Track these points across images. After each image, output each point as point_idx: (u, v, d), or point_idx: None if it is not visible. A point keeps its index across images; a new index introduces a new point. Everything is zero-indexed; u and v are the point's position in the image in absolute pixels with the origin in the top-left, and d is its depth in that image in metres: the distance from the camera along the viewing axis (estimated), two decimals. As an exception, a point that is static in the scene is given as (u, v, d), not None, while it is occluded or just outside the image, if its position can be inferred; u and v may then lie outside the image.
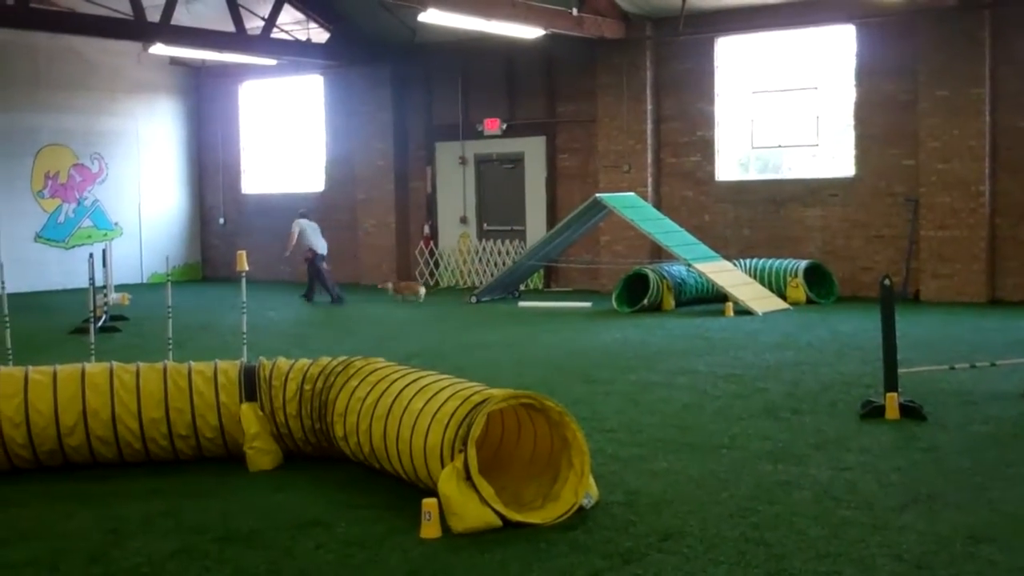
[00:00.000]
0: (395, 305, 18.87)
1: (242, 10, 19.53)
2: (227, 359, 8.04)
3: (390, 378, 7.05)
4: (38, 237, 22.93)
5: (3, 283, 11.01)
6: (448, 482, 5.90)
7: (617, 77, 19.93)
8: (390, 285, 19.92)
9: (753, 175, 19.84)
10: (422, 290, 19.41)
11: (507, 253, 21.49)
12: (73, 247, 23.20)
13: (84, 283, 14.34)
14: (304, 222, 19.81)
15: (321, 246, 19.66)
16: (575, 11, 18.32)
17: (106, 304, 15.20)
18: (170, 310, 10.90)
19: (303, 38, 22.04)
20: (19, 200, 22.57)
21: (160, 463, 7.61)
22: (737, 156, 19.90)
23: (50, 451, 7.44)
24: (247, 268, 10.45)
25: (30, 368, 7.63)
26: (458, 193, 22.47)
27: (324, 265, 19.60)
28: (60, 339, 14.71)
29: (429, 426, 6.24)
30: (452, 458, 5.98)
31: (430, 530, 5.86)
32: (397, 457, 6.58)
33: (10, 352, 10.62)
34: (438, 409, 6.28)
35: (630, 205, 17.64)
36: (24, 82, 22.46)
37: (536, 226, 21.35)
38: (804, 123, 19.00)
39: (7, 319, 10.79)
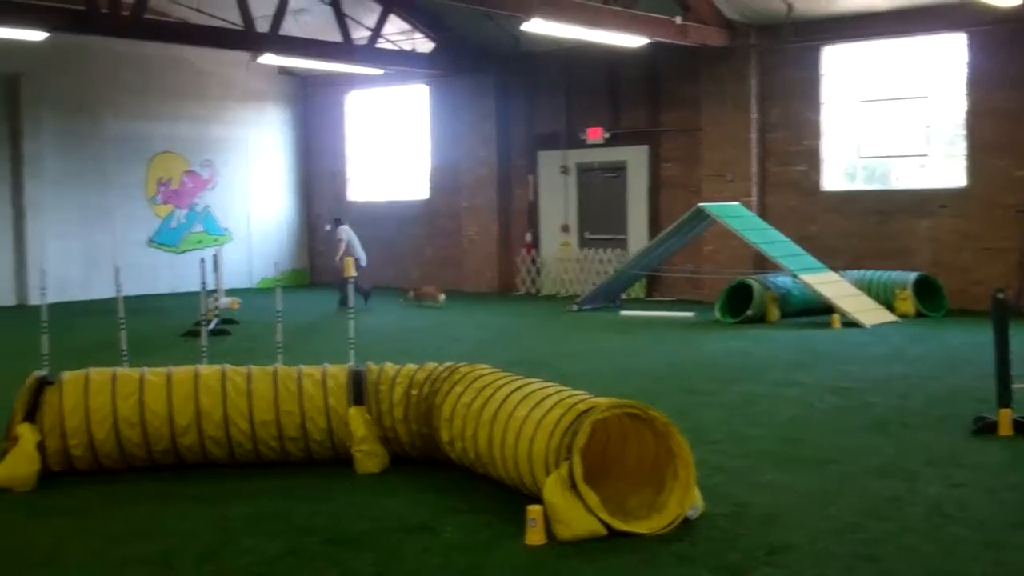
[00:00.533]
0: (496, 313, 18.96)
1: (349, 20, 19.82)
2: (334, 363, 8.17)
3: (495, 384, 7.11)
4: (151, 242, 23.54)
5: (119, 286, 11.31)
6: (553, 490, 5.93)
7: (721, 86, 19.78)
8: (411, 293, 20.42)
9: (860, 185, 19.52)
10: (441, 296, 20.02)
11: (608, 262, 21.44)
12: (184, 252, 23.78)
13: (195, 287, 14.66)
14: (350, 229, 20.24)
15: (362, 256, 20.05)
16: (679, 20, 18.21)
17: (216, 308, 15.52)
18: (279, 314, 11.09)
19: (408, 48, 22.29)
20: (133, 206, 23.20)
21: (270, 464, 7.76)
22: (843, 166, 19.60)
23: (164, 450, 7.64)
24: (354, 274, 10.61)
25: (145, 369, 7.86)
26: (560, 201, 22.50)
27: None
28: (172, 341, 15.09)
29: (534, 433, 6.28)
30: (557, 466, 6.01)
31: (535, 537, 5.89)
32: (502, 463, 6.63)
33: (124, 353, 10.89)
34: (543, 416, 6.31)
35: (734, 215, 17.49)
36: (138, 91, 23.08)
37: (638, 235, 21.28)
38: (913, 133, 18.65)
39: (122, 321, 11.07)
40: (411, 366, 7.89)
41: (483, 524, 6.31)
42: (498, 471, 6.76)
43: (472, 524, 6.33)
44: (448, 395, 7.32)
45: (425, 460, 7.70)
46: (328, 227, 25.79)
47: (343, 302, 19.09)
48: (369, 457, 7.56)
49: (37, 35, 16.57)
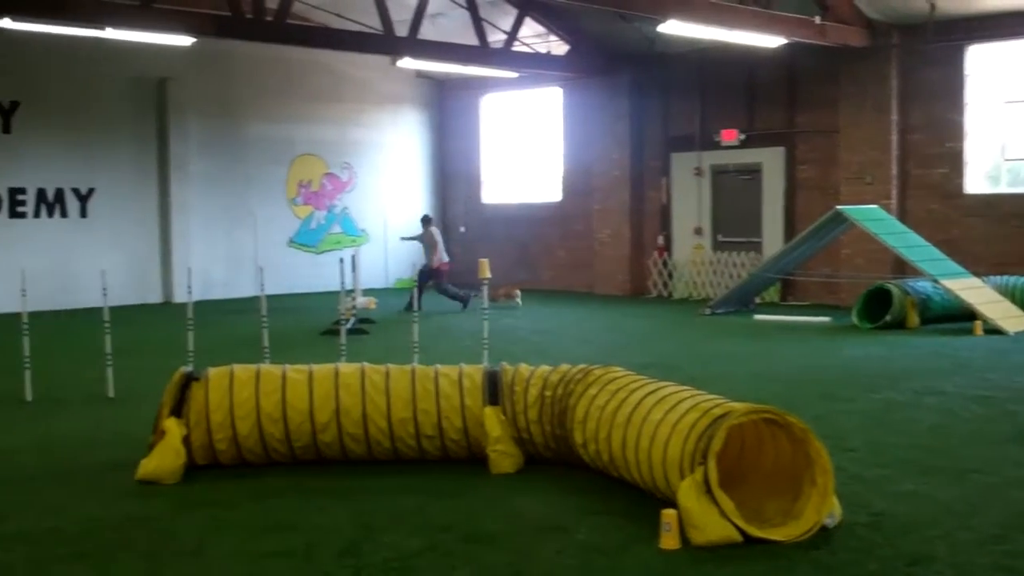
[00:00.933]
0: (627, 316, 18.91)
1: (485, 24, 20.01)
2: (469, 363, 8.28)
3: (629, 387, 7.11)
4: (291, 242, 24.13)
5: (263, 285, 11.65)
6: (688, 494, 5.92)
7: (861, 86, 19.39)
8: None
9: (1004, 188, 18.92)
10: (518, 292, 20.32)
11: (742, 265, 21.21)
12: (323, 252, 24.31)
13: (333, 287, 14.97)
14: (437, 231, 20.32)
15: (445, 257, 20.05)
16: (818, 19, 17.94)
17: (354, 307, 15.82)
18: (416, 314, 11.30)
19: (543, 51, 22.40)
20: (275, 207, 23.81)
21: (407, 462, 7.87)
22: (986, 168, 19.03)
23: (305, 446, 7.82)
24: (489, 275, 10.73)
25: (288, 367, 8.05)
26: (693, 204, 22.35)
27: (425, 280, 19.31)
28: (312, 339, 15.45)
29: (669, 437, 6.27)
30: (692, 470, 5.99)
31: (669, 541, 5.88)
32: (636, 466, 6.64)
33: (266, 351, 11.20)
34: (678, 420, 6.30)
35: (873, 218, 17.13)
36: (280, 94, 23.69)
37: (773, 238, 21.00)
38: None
39: (264, 319, 11.39)
40: (545, 367, 7.94)
41: (616, 527, 6.32)
42: (632, 474, 6.76)
43: (606, 526, 6.35)
44: (582, 397, 7.35)
45: (559, 462, 7.73)
46: (463, 228, 26.11)
47: (464, 301, 19.57)
48: (504, 457, 7.63)
49: (183, 40, 17.17)
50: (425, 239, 19.95)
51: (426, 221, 20.33)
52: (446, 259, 20.00)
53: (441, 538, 6.18)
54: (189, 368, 8.08)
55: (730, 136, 21.38)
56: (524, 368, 7.95)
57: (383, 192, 25.62)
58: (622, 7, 16.75)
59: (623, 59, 22.17)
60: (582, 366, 7.77)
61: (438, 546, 6.04)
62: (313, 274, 23.70)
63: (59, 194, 20.86)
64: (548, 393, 7.63)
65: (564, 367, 7.85)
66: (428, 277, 19.53)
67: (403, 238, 21.68)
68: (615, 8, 16.98)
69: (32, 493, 7.30)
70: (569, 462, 7.66)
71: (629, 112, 22.80)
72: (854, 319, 16.40)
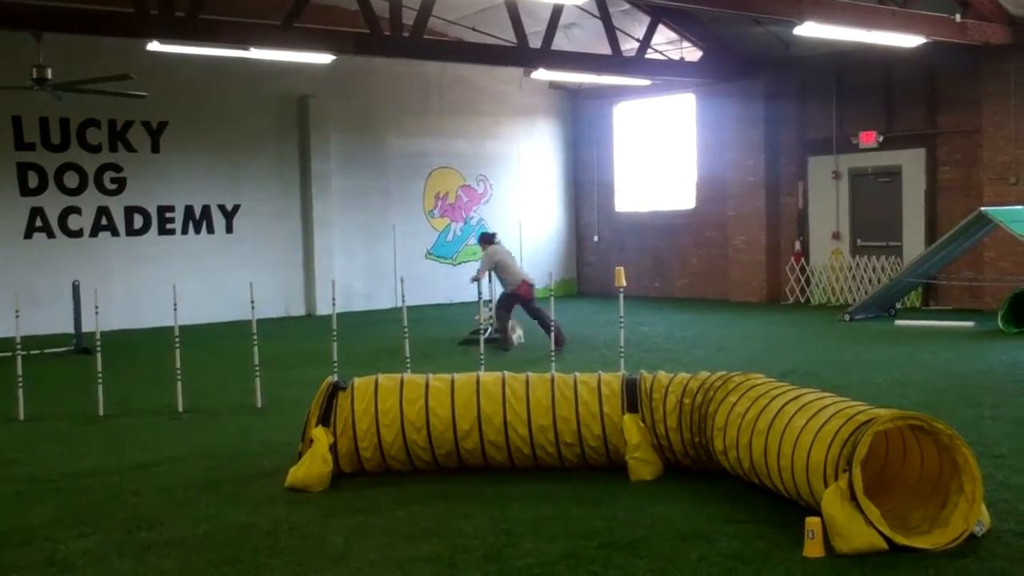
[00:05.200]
0: (764, 323, 18.69)
1: (618, 32, 20.03)
2: (606, 371, 8.31)
3: (770, 394, 7.07)
4: (428, 254, 24.50)
5: (403, 297, 11.88)
6: (832, 502, 5.86)
7: (1004, 85, 18.82)
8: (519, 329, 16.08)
9: None
10: (519, 329, 16.02)
11: (882, 270, 20.77)
12: (460, 264, 24.63)
13: (470, 298, 15.16)
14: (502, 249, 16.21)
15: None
16: (958, 17, 17.49)
17: (491, 317, 16.01)
18: (553, 323, 11.39)
19: (676, 57, 22.31)
20: (413, 220, 24.21)
21: (547, 469, 7.94)
22: None
23: (447, 453, 7.95)
24: (625, 284, 10.75)
25: (430, 376, 8.20)
26: (831, 208, 21.97)
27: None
28: (450, 349, 15.67)
29: (812, 444, 6.21)
30: (836, 477, 5.93)
31: (813, 549, 5.83)
32: (778, 473, 6.59)
33: (408, 361, 11.41)
34: (821, 427, 6.24)
35: (1018, 219, 16.58)
36: (417, 109, 24.09)
37: (914, 242, 20.51)
38: None
39: (406, 330, 11.61)
40: (684, 375, 7.93)
41: (759, 534, 6.29)
42: (774, 481, 6.72)
43: (748, 534, 6.32)
44: (722, 404, 7.32)
45: (697, 469, 7.72)
46: (596, 238, 26.14)
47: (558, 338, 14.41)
48: (643, 464, 7.65)
49: (324, 58, 17.61)
50: (486, 262, 15.77)
51: (484, 240, 16.25)
52: (523, 278, 15.77)
53: (582, 545, 6.22)
54: (335, 378, 8.28)
55: (868, 138, 20.97)
56: (663, 375, 7.95)
57: (517, 203, 25.83)
58: (757, 11, 16.60)
59: (757, 63, 21.95)
60: (721, 373, 7.74)
61: (579, 553, 6.08)
62: (450, 285, 24.01)
63: (206, 211, 21.60)
64: (687, 400, 7.63)
65: (703, 374, 7.83)
66: (510, 303, 15.73)
67: (473, 279, 16.10)
68: (750, 12, 16.84)
69: (186, 501, 7.57)
70: (708, 469, 7.65)
71: (764, 117, 22.55)
72: (999, 323, 15.95)
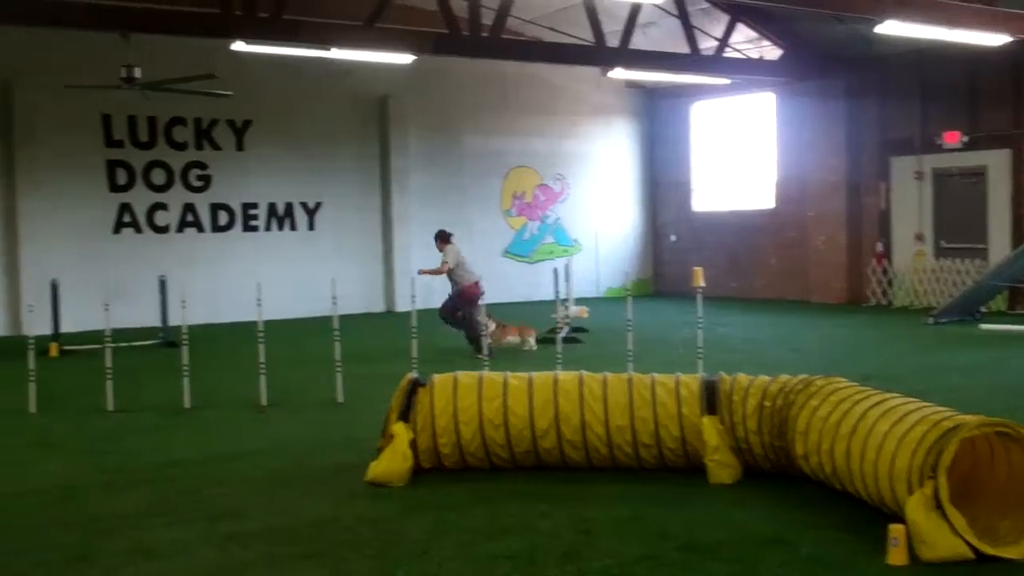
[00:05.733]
0: (845, 325, 18.48)
1: (696, 31, 19.92)
2: (684, 373, 8.27)
3: (852, 399, 6.99)
4: (505, 253, 24.59)
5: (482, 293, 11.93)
6: (917, 509, 5.79)
7: (1096, 83, 18.43)
8: (492, 326, 15.18)
9: None
10: (533, 334, 15.59)
11: (967, 272, 20.40)
12: (536, 262, 24.68)
13: (547, 296, 15.16)
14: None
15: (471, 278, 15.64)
16: (1047, 15, 17.12)
17: (567, 316, 16.00)
18: (630, 323, 11.36)
19: (755, 56, 22.13)
20: (490, 218, 24.34)
21: (624, 469, 7.94)
22: None
23: (525, 452, 7.99)
24: (703, 284, 10.70)
25: (508, 374, 8.24)
26: (914, 209, 21.64)
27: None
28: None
29: (896, 450, 6.14)
30: (921, 484, 5.86)
31: (897, 556, 5.75)
32: (860, 479, 6.52)
33: (485, 359, 11.46)
34: (906, 433, 6.17)
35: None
36: (495, 108, 24.21)
37: (1000, 244, 20.12)
38: None
39: (484, 328, 11.67)
40: (764, 378, 7.87)
41: (840, 540, 6.23)
42: (855, 487, 6.65)
43: (829, 540, 6.26)
44: (803, 408, 7.26)
45: (778, 473, 7.66)
46: (674, 238, 26.01)
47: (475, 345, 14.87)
48: (722, 467, 7.61)
49: (404, 58, 17.75)
50: (453, 258, 15.52)
51: (443, 238, 15.94)
52: (476, 278, 15.55)
53: (660, 547, 6.22)
54: (415, 374, 8.34)
55: (952, 138, 20.61)
56: (743, 378, 7.90)
57: (594, 202, 25.82)
58: (839, 9, 16.42)
59: (838, 62, 21.69)
60: (802, 376, 7.68)
61: (657, 555, 6.08)
62: (526, 283, 24.08)
63: (288, 208, 21.93)
64: (767, 403, 7.58)
65: (784, 377, 7.77)
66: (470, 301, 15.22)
67: (431, 272, 15.84)
68: (831, 11, 16.65)
69: (268, 493, 7.69)
70: (787, 473, 7.58)
71: (845, 116, 22.29)
72: (1091, 329, 15.61)
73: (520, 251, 24.79)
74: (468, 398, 7.99)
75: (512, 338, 15.27)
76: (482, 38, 17.29)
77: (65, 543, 6.54)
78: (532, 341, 15.40)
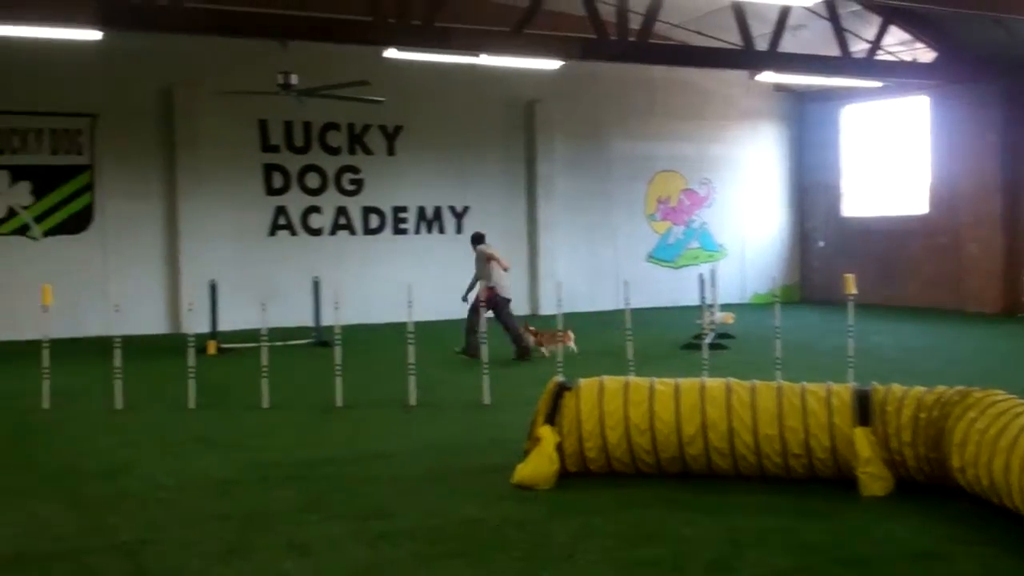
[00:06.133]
0: (1001, 335, 17.88)
1: (847, 34, 19.52)
2: (834, 381, 8.11)
3: (1012, 411, 6.80)
4: (650, 257, 24.49)
5: (627, 299, 11.95)
6: (1079, 527, 5.62)
7: None
8: (531, 339, 15.46)
9: None
10: (571, 336, 15.30)
11: None
12: (681, 267, 24.53)
13: (691, 301, 15.10)
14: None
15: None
16: None
17: (712, 322, 15.88)
18: (778, 330, 11.23)
19: (908, 59, 21.58)
20: (634, 223, 24.29)
21: (771, 479, 7.84)
22: None
23: (671, 458, 7.95)
24: (855, 292, 10.51)
25: (654, 379, 8.22)
26: (1077, 216, 20.85)
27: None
28: (672, 353, 15.64)
29: (1058, 466, 5.97)
30: (1084, 502, 5.68)
31: (1058, 576, 5.61)
32: (1020, 494, 6.34)
33: (631, 363, 11.45)
34: (1068, 449, 5.99)
35: None
36: (643, 113, 24.15)
37: None
38: None
39: (629, 332, 11.67)
40: (919, 388, 7.68)
41: (999, 558, 6.07)
42: (1013, 501, 6.47)
43: (985, 556, 6.10)
44: (960, 420, 7.08)
45: (932, 486, 7.48)
46: (822, 243, 25.55)
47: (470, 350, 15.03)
48: (874, 479, 7.46)
49: (552, 64, 17.85)
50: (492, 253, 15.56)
51: (478, 240, 16.12)
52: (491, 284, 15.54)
53: (811, 560, 6.13)
54: (562, 378, 8.40)
55: (1118, 143, 19.78)
56: (896, 388, 7.73)
57: (740, 207, 25.55)
58: (998, 10, 15.90)
59: (995, 65, 20.99)
60: (959, 388, 7.48)
61: (808, 568, 6.00)
62: (671, 288, 23.95)
63: (437, 212, 22.29)
64: (923, 415, 7.40)
65: (940, 388, 7.57)
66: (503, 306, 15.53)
67: (464, 298, 15.98)
68: (990, 12, 16.14)
69: (417, 493, 7.82)
70: (943, 487, 7.40)
71: (1003, 120, 21.58)
72: None
73: (665, 256, 24.66)
74: (614, 402, 8.00)
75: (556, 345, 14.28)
76: (630, 43, 17.26)
77: (223, 536, 6.77)
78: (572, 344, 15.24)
